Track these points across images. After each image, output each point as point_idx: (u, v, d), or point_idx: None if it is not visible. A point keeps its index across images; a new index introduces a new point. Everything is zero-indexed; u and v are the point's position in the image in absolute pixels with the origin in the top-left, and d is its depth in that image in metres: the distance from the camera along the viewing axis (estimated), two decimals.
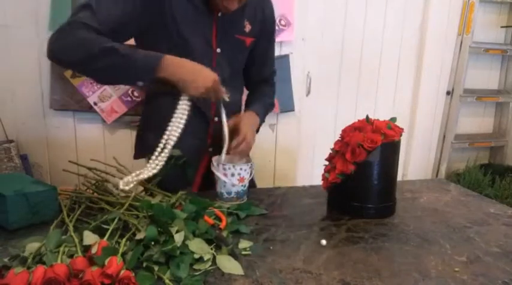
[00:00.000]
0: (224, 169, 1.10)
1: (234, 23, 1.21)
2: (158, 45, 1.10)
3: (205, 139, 1.28)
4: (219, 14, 1.17)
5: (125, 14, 1.04)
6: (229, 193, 1.11)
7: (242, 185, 1.12)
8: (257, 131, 1.31)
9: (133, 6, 1.05)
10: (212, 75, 1.04)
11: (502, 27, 2.88)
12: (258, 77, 1.40)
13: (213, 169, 1.12)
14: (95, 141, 2.04)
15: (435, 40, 2.62)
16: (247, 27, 1.24)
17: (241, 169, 1.10)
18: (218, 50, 1.20)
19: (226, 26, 1.20)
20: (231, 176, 1.09)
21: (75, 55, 0.97)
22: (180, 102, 1.05)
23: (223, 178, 1.09)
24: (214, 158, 1.14)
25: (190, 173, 1.22)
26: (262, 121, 1.34)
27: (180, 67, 1.01)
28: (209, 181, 1.25)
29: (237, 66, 1.29)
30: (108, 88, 2.00)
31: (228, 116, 1.18)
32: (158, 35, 1.12)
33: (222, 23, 1.19)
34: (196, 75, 1.03)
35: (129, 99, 2.03)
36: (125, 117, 2.06)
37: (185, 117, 1.06)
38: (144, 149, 1.27)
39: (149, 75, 1.00)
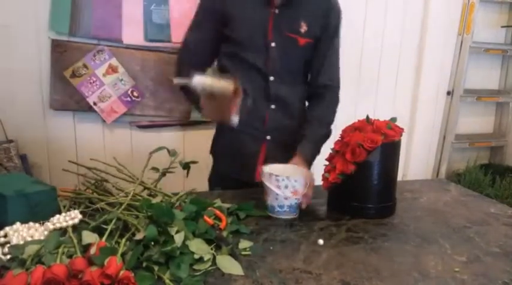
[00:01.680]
0: (277, 180, 1.03)
1: (288, 21, 1.28)
2: (223, 42, 1.30)
3: (261, 128, 1.34)
4: (276, 11, 1.26)
5: (208, 38, 1.31)
6: (281, 207, 1.04)
7: (296, 198, 1.04)
8: (310, 164, 1.29)
9: (211, 28, 1.29)
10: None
11: (502, 27, 2.88)
12: (315, 83, 1.39)
13: (264, 180, 1.05)
14: (95, 141, 2.04)
15: (435, 40, 2.62)
16: (303, 28, 1.29)
17: (295, 181, 1.03)
18: (273, 44, 1.28)
19: (281, 22, 1.27)
20: (284, 188, 1.03)
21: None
22: None
23: (276, 190, 1.03)
24: (265, 168, 1.09)
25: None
26: (312, 157, 1.30)
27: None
28: None
29: (289, 62, 1.32)
30: (107, 89, 2.00)
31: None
32: (224, 38, 1.29)
33: (278, 20, 1.26)
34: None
35: (128, 99, 2.03)
36: (125, 117, 2.06)
37: None
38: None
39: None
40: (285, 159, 1.21)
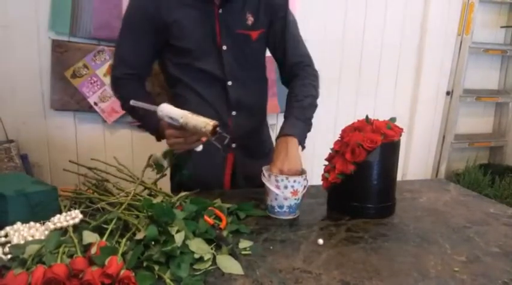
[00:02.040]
0: (276, 180, 1.03)
1: (234, 18, 1.20)
2: (166, 55, 1.21)
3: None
4: (220, 11, 1.18)
5: (144, 49, 1.21)
6: (280, 207, 1.05)
7: (295, 199, 1.05)
8: (303, 145, 1.18)
9: (146, 38, 1.19)
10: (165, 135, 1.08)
11: (501, 27, 2.89)
12: (285, 67, 1.30)
13: (264, 180, 1.06)
14: (95, 141, 2.05)
15: (435, 40, 2.63)
16: (250, 20, 1.22)
17: (294, 181, 1.02)
18: (224, 47, 1.21)
19: (228, 21, 1.19)
20: (283, 188, 1.03)
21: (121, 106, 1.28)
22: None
23: (275, 190, 1.03)
24: (265, 168, 1.09)
25: (186, 174, 1.25)
26: (302, 131, 1.18)
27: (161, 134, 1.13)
28: (237, 178, 1.32)
29: (246, 61, 1.25)
30: (108, 89, 2.00)
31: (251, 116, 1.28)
32: (169, 48, 1.20)
33: (224, 19, 1.19)
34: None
35: None
36: (126, 117, 2.06)
37: None
38: None
39: (154, 133, 1.20)
40: (254, 165, 1.16)
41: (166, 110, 1.01)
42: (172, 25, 1.16)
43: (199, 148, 1.09)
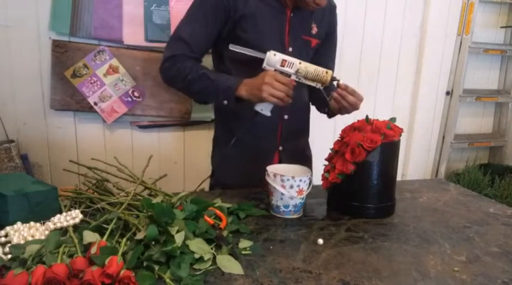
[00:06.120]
0: (282, 180, 1.03)
1: (302, 24, 1.27)
2: (228, 50, 1.19)
3: (273, 138, 1.32)
4: (291, 14, 1.23)
5: (209, 35, 1.23)
6: (286, 206, 1.05)
7: (301, 198, 1.05)
8: None
9: (215, 24, 1.21)
10: (263, 78, 1.09)
11: (501, 27, 2.89)
12: None
13: (269, 180, 1.05)
14: (96, 141, 2.04)
15: (435, 40, 2.63)
16: (314, 30, 1.29)
17: (300, 180, 1.03)
18: (290, 49, 1.25)
19: (296, 25, 1.25)
20: (289, 188, 1.03)
21: (179, 83, 1.24)
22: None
23: (281, 190, 1.03)
24: (270, 168, 1.09)
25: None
26: None
27: (247, 85, 1.14)
28: None
29: None
30: (108, 89, 2.00)
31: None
32: (232, 39, 1.20)
33: (293, 23, 1.24)
34: (254, 85, 1.12)
35: (129, 99, 2.03)
36: (126, 117, 2.06)
37: None
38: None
39: (230, 94, 1.17)
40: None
41: (280, 54, 1.03)
42: (247, 18, 1.19)
43: (268, 113, 1.13)
